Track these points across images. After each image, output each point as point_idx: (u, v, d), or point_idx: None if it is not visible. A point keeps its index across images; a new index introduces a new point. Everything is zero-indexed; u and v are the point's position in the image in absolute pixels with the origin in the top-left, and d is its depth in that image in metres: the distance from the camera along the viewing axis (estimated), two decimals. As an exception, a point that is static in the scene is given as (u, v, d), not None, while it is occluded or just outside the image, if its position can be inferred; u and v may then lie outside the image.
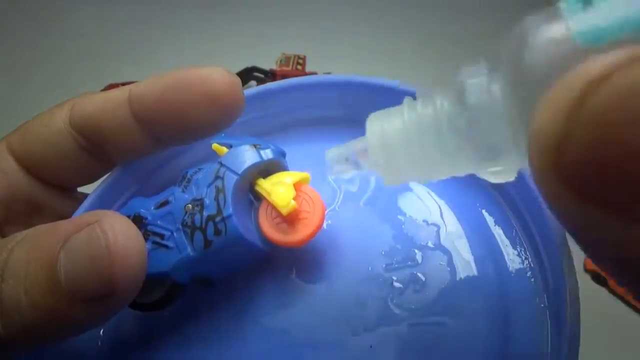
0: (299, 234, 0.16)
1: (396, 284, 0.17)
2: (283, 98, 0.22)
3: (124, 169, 0.19)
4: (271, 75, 0.60)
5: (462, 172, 0.14)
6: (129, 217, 0.15)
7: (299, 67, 0.59)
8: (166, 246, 0.15)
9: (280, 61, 0.60)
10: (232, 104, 0.16)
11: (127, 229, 0.13)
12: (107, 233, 0.12)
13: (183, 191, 0.16)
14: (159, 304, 0.16)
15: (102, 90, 0.57)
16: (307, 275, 0.18)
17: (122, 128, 0.17)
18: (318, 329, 0.17)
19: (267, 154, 0.17)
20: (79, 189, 0.20)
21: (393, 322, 0.17)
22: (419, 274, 0.18)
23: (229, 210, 0.15)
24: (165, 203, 0.16)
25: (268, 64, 0.61)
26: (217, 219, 0.15)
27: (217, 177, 0.16)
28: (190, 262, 0.15)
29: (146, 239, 0.15)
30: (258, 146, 0.17)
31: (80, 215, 0.13)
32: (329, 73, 0.60)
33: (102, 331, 0.18)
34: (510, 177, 0.13)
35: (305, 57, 0.60)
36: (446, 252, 0.18)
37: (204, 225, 0.15)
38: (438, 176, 0.14)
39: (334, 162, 0.16)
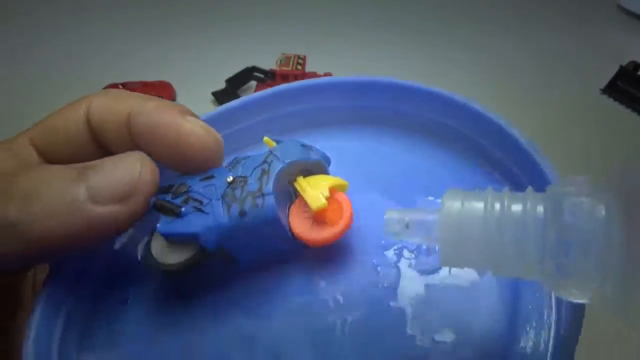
0: (320, 235, 0.17)
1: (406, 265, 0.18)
2: (301, 98, 0.23)
3: None
4: (271, 75, 0.60)
5: (530, 278, 0.14)
6: (172, 185, 0.17)
7: (299, 67, 0.59)
8: (202, 211, 0.17)
9: (280, 61, 0.60)
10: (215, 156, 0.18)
11: (145, 155, 0.16)
12: (138, 153, 0.16)
13: (229, 170, 0.18)
14: (182, 265, 0.17)
15: (102, 90, 0.58)
16: (325, 272, 0.19)
17: (120, 141, 0.18)
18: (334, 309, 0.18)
19: (314, 154, 0.18)
20: None
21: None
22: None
23: (269, 188, 0.16)
24: (211, 177, 0.17)
25: (268, 64, 0.61)
26: (257, 194, 0.16)
27: (264, 162, 0.17)
28: (222, 229, 0.16)
29: (186, 203, 0.17)
30: (308, 146, 0.18)
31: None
32: (329, 74, 0.60)
33: (129, 294, 0.19)
34: (584, 300, 0.13)
35: (305, 57, 0.60)
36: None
37: (243, 198, 0.16)
38: (501, 274, 0.14)
39: (392, 224, 0.15)
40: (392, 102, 0.23)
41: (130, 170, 0.16)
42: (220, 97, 0.58)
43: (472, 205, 0.14)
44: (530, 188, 0.14)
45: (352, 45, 0.71)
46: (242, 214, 0.16)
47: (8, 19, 0.75)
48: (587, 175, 0.13)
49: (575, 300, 0.13)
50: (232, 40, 0.71)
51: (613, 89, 0.62)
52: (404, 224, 0.15)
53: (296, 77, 0.59)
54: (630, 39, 0.74)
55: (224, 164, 0.18)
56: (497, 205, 0.13)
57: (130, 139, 0.18)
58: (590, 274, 0.12)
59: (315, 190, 0.17)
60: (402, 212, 0.15)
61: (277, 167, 0.17)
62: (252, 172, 0.17)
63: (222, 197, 0.17)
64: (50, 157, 0.18)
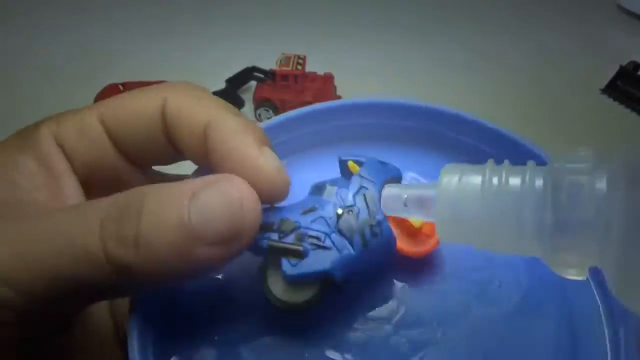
0: (422, 246, 0.18)
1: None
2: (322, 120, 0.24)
3: None
4: (271, 75, 0.60)
5: (527, 254, 0.13)
6: (272, 223, 0.17)
7: (299, 67, 0.59)
8: (325, 247, 0.17)
9: (280, 61, 0.60)
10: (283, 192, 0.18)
11: (249, 188, 0.15)
12: (239, 186, 0.15)
13: (326, 198, 0.18)
14: (308, 303, 0.17)
15: (102, 90, 0.58)
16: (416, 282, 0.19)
17: (192, 146, 0.18)
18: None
19: (394, 170, 0.19)
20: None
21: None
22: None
23: (381, 215, 0.17)
24: (313, 209, 0.17)
25: (268, 64, 0.61)
26: (373, 222, 0.17)
27: (361, 187, 0.17)
28: (350, 261, 0.16)
29: (302, 240, 0.17)
30: (384, 163, 0.19)
31: (205, 176, 0.16)
32: (329, 74, 0.60)
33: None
34: (581, 276, 0.13)
35: (305, 57, 0.60)
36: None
37: (361, 229, 0.17)
38: (498, 249, 0.14)
39: (389, 200, 0.15)
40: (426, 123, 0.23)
41: (234, 210, 0.15)
42: (221, 97, 0.58)
43: (469, 180, 0.14)
44: (531, 162, 0.13)
45: (352, 45, 0.71)
46: (365, 245, 0.16)
47: (8, 19, 0.75)
48: (592, 149, 0.12)
49: (572, 278, 0.13)
50: (232, 40, 0.71)
51: (613, 89, 0.62)
52: (402, 201, 0.15)
53: (296, 77, 0.59)
54: (630, 39, 0.74)
55: (309, 193, 0.18)
56: (495, 180, 0.13)
57: (203, 147, 0.17)
58: (588, 254, 0.12)
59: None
60: (401, 188, 0.15)
61: (376, 190, 0.17)
62: (354, 199, 0.17)
63: (338, 229, 0.17)
64: (118, 139, 0.18)
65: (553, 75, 0.66)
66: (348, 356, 0.17)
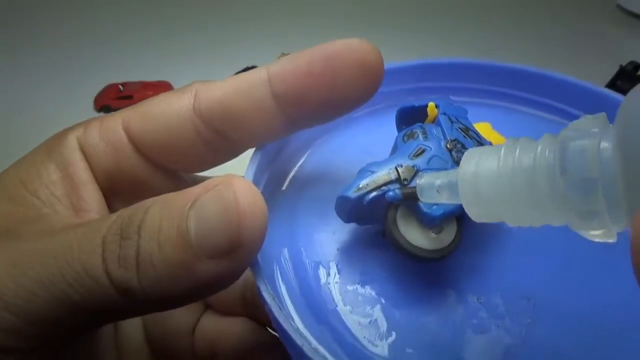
0: None
1: None
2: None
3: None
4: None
5: (556, 224, 0.13)
6: (381, 182, 0.16)
7: (299, 67, 0.59)
8: None
9: (280, 61, 0.60)
10: (380, 72, 0.17)
11: (251, 189, 0.14)
12: (235, 191, 0.13)
13: (425, 140, 0.17)
14: (447, 251, 0.16)
15: (102, 90, 0.58)
16: None
17: (258, 111, 0.17)
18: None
19: (461, 108, 0.19)
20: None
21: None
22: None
23: (486, 140, 0.17)
24: (422, 151, 0.17)
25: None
26: None
27: (452, 122, 0.18)
28: None
29: None
30: (451, 102, 0.19)
31: (207, 181, 0.14)
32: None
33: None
34: (611, 239, 0.12)
35: (305, 57, 0.60)
36: None
37: None
38: (528, 223, 0.14)
39: (425, 189, 0.15)
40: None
41: (229, 217, 0.13)
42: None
43: (485, 163, 0.14)
44: (547, 134, 0.14)
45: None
46: None
47: (8, 19, 0.75)
48: (604, 115, 0.12)
49: (601, 241, 0.13)
50: (232, 40, 0.71)
51: (613, 89, 0.62)
52: (435, 188, 0.15)
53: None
54: (630, 39, 0.74)
55: (402, 142, 0.18)
56: (510, 159, 0.13)
57: (271, 102, 0.16)
58: (608, 217, 0.12)
59: (494, 135, 0.18)
60: (432, 175, 0.15)
61: (467, 121, 0.17)
62: (454, 133, 0.17)
63: (456, 162, 0.16)
64: (143, 144, 0.17)
65: (553, 75, 0.66)
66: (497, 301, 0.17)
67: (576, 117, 0.14)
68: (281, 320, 0.14)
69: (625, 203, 0.11)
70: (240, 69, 0.62)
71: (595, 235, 0.13)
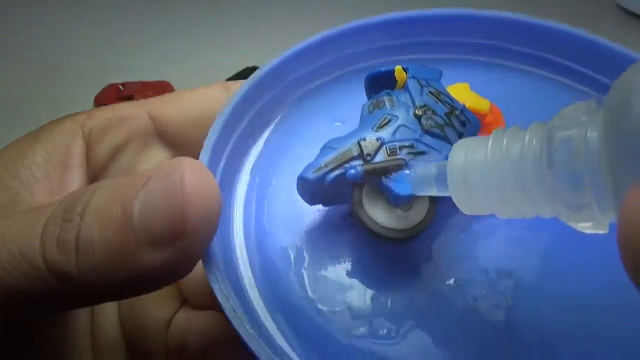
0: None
1: None
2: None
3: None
4: (271, 75, 0.60)
5: (546, 216, 0.13)
6: (341, 159, 0.15)
7: (299, 67, 0.59)
8: (421, 152, 0.15)
9: (280, 61, 0.60)
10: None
11: (201, 170, 0.13)
12: (183, 173, 0.12)
13: (392, 108, 0.16)
14: (417, 230, 0.15)
15: (102, 90, 0.58)
16: None
17: None
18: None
19: (435, 70, 0.18)
20: None
21: None
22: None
23: (459, 104, 0.16)
24: (387, 121, 0.15)
25: (268, 64, 0.61)
26: (456, 112, 0.16)
27: (422, 86, 0.16)
28: None
29: (395, 154, 0.15)
30: (423, 65, 0.18)
31: (165, 161, 0.14)
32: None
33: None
34: (602, 230, 0.12)
35: (305, 57, 0.60)
36: None
37: (448, 121, 0.15)
38: (518, 215, 0.14)
39: (416, 183, 0.15)
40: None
41: (174, 200, 0.12)
42: (220, 97, 0.58)
43: (474, 154, 0.14)
44: (535, 122, 0.13)
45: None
46: (460, 135, 0.15)
47: (7, 18, 0.75)
48: (594, 101, 0.12)
49: (592, 232, 0.12)
50: (232, 40, 0.71)
51: (613, 89, 0.62)
52: (427, 181, 0.15)
53: (296, 77, 0.59)
54: (630, 39, 0.74)
55: (367, 112, 0.16)
56: (497, 151, 0.13)
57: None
58: (597, 209, 0.12)
59: (473, 97, 0.17)
60: (422, 169, 0.15)
61: (440, 84, 0.16)
62: (424, 98, 0.16)
63: (425, 131, 0.15)
64: (167, 133, 0.17)
65: (553, 75, 0.66)
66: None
67: (566, 69, 0.13)
68: (235, 324, 0.13)
69: (613, 193, 0.11)
70: (240, 69, 0.62)
71: (586, 227, 0.12)
